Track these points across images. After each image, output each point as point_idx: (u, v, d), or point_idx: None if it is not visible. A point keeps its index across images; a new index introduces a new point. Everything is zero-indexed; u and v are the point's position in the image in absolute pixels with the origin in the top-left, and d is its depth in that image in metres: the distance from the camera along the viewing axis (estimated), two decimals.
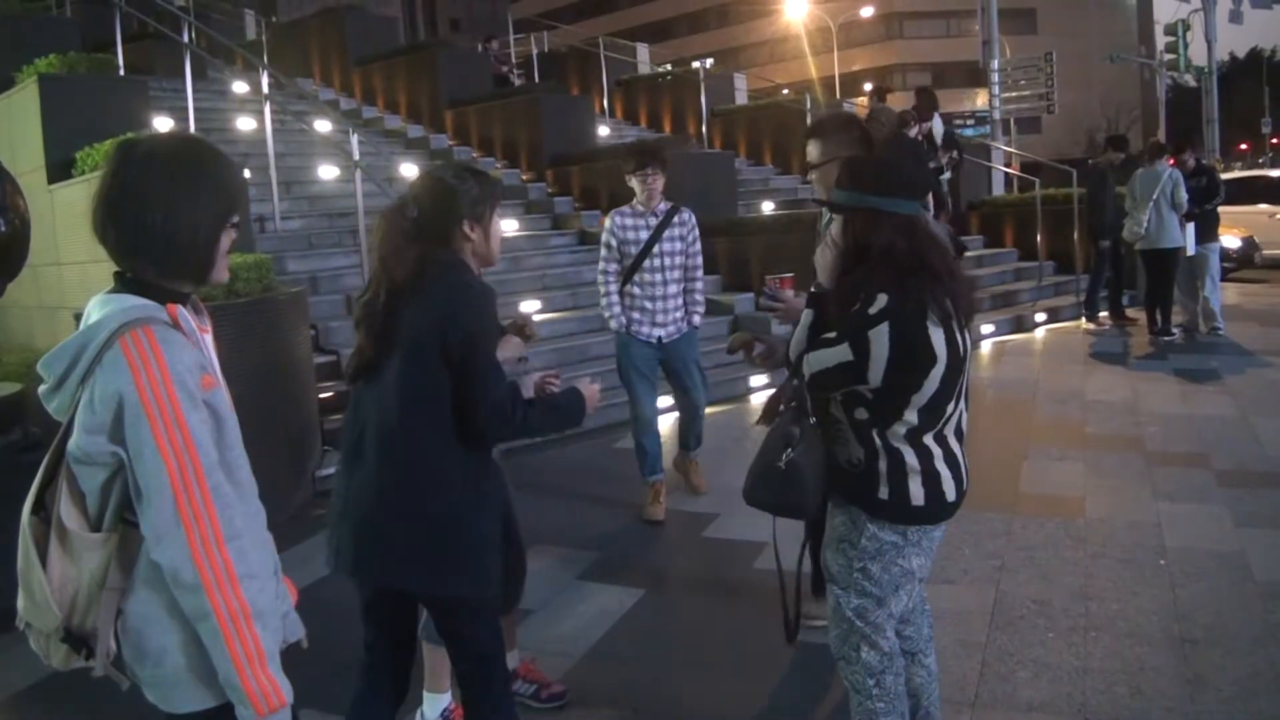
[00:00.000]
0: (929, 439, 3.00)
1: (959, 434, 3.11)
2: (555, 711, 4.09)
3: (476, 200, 3.02)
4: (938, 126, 12.16)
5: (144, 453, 2.00)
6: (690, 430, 6.60)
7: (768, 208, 14.88)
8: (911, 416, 2.96)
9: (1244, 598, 4.82)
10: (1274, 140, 52.28)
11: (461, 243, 3.01)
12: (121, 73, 10.28)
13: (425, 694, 3.86)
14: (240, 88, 14.47)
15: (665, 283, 6.20)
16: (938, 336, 2.89)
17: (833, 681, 4.19)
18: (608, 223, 6.29)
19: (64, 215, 8.18)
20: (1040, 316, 13.02)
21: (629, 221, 6.21)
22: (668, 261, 6.19)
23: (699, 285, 6.40)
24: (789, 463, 3.01)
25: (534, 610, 4.98)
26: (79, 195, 8.04)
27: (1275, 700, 3.92)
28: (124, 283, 2.15)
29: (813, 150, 4.17)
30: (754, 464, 3.17)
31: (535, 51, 22.32)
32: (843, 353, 2.92)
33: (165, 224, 2.10)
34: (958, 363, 2.96)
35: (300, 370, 6.92)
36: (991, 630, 4.58)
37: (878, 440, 2.99)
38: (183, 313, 2.13)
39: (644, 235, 6.16)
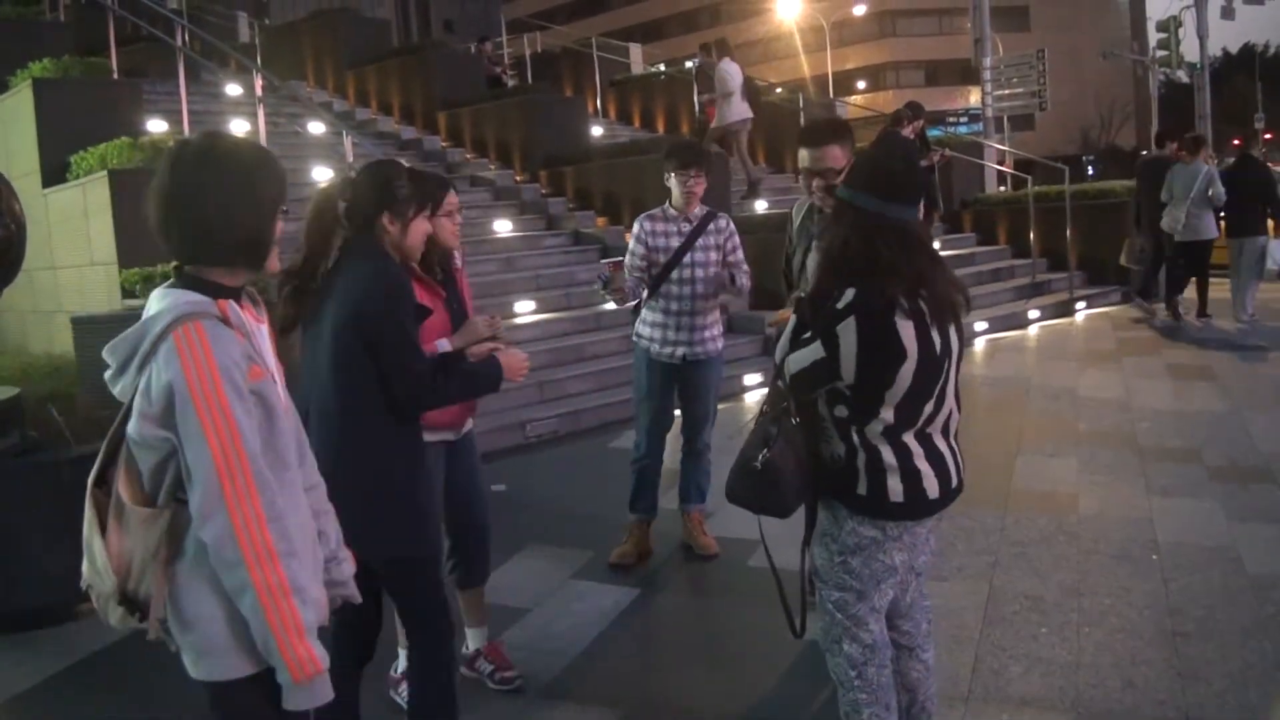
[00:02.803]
0: (909, 437, 3.04)
1: (946, 431, 3.14)
2: (548, 708, 4.12)
3: (403, 198, 3.29)
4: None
5: (192, 439, 2.15)
6: (690, 480, 5.76)
7: (761, 206, 14.89)
8: (887, 414, 2.99)
9: (1235, 591, 4.85)
10: (1267, 135, 52.38)
11: (381, 233, 3.28)
12: (115, 76, 10.27)
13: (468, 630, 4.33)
14: (234, 90, 14.46)
15: (693, 297, 5.47)
16: (907, 331, 2.92)
17: (826, 677, 4.22)
18: (635, 228, 5.63)
19: (58, 219, 8.20)
20: (1033, 313, 13.04)
21: (659, 226, 5.53)
22: (699, 273, 5.46)
23: (744, 275, 5.58)
24: (764, 462, 3.07)
25: (529, 609, 5.00)
26: (73, 199, 8.06)
27: (1266, 693, 3.96)
28: (182, 278, 2.30)
29: (838, 154, 4.13)
30: (735, 463, 3.23)
31: (528, 52, 22.32)
32: (816, 350, 2.99)
33: (229, 220, 2.27)
34: (933, 360, 2.98)
35: (295, 370, 6.94)
36: (984, 625, 4.61)
37: (856, 437, 3.03)
38: (233, 307, 2.28)
39: (675, 243, 5.47)
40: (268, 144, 10.13)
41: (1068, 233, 13.97)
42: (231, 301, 2.29)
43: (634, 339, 5.74)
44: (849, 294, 2.94)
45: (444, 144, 15.64)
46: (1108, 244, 14.30)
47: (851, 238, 3.00)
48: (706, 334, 5.57)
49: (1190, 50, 31.37)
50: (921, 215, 3.66)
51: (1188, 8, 29.70)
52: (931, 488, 3.05)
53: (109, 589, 2.27)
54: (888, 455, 3.01)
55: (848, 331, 2.92)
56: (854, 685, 3.18)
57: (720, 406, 5.96)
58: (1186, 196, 11.89)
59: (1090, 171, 50.90)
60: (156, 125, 10.12)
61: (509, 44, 22.97)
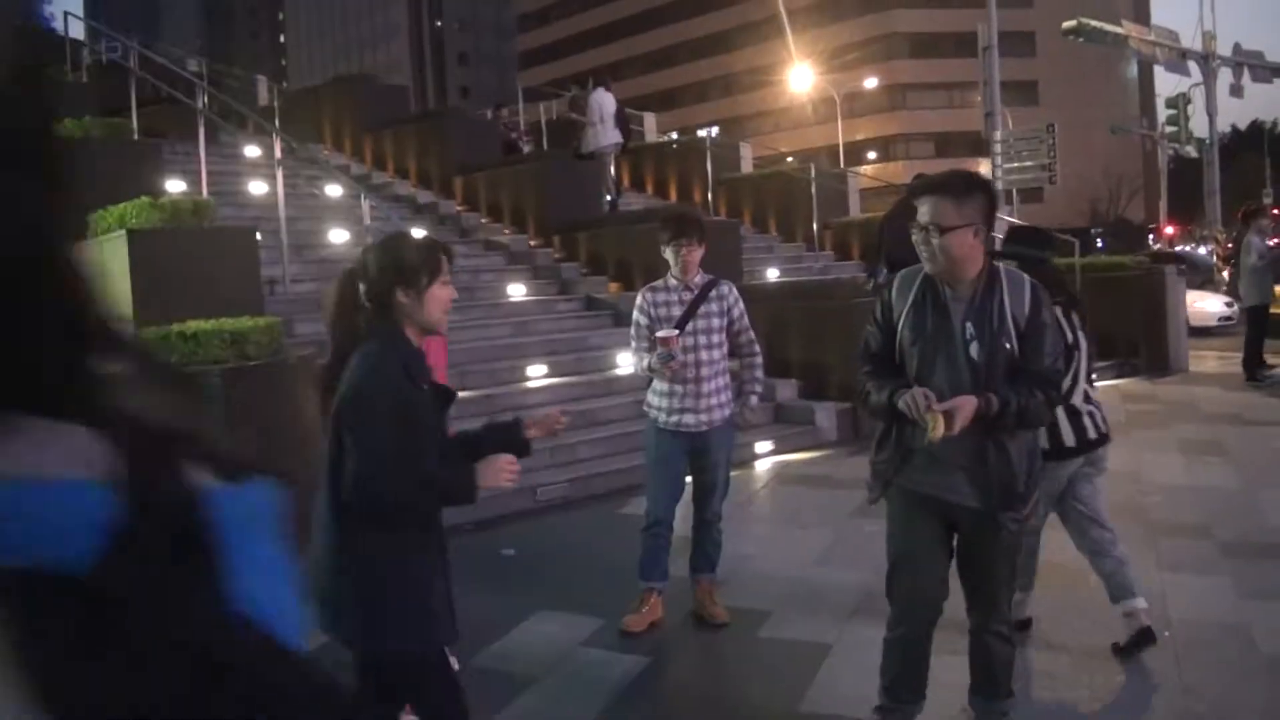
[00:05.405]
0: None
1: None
2: None
3: (413, 269, 3.18)
4: None
5: None
6: (700, 549, 5.75)
7: (772, 275, 14.98)
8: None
9: (1249, 671, 4.81)
10: (1275, 210, 52.67)
11: (398, 309, 3.18)
12: (135, 136, 10.42)
13: None
14: (252, 152, 14.65)
15: (699, 364, 5.47)
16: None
17: None
18: (639, 299, 5.70)
19: None
20: None
21: (660, 297, 5.60)
22: (703, 340, 5.49)
23: (757, 360, 5.77)
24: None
25: (539, 677, 4.97)
26: (90, 257, 8.14)
27: None
28: None
29: (948, 210, 3.66)
30: None
31: (544, 119, 22.57)
32: None
33: None
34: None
35: (309, 433, 6.94)
36: None
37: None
38: None
39: (676, 312, 5.53)
40: (285, 205, 10.25)
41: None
42: None
43: (644, 408, 5.77)
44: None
45: (459, 208, 15.79)
46: (1117, 317, 14.35)
47: None
48: (714, 401, 5.58)
49: (1199, 126, 31.63)
50: None
51: (1196, 85, 30.00)
52: (1067, 437, 4.88)
53: None
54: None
55: None
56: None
57: (732, 473, 5.95)
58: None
59: (1099, 245, 51.06)
60: (175, 185, 10.24)
61: (525, 111, 23.21)
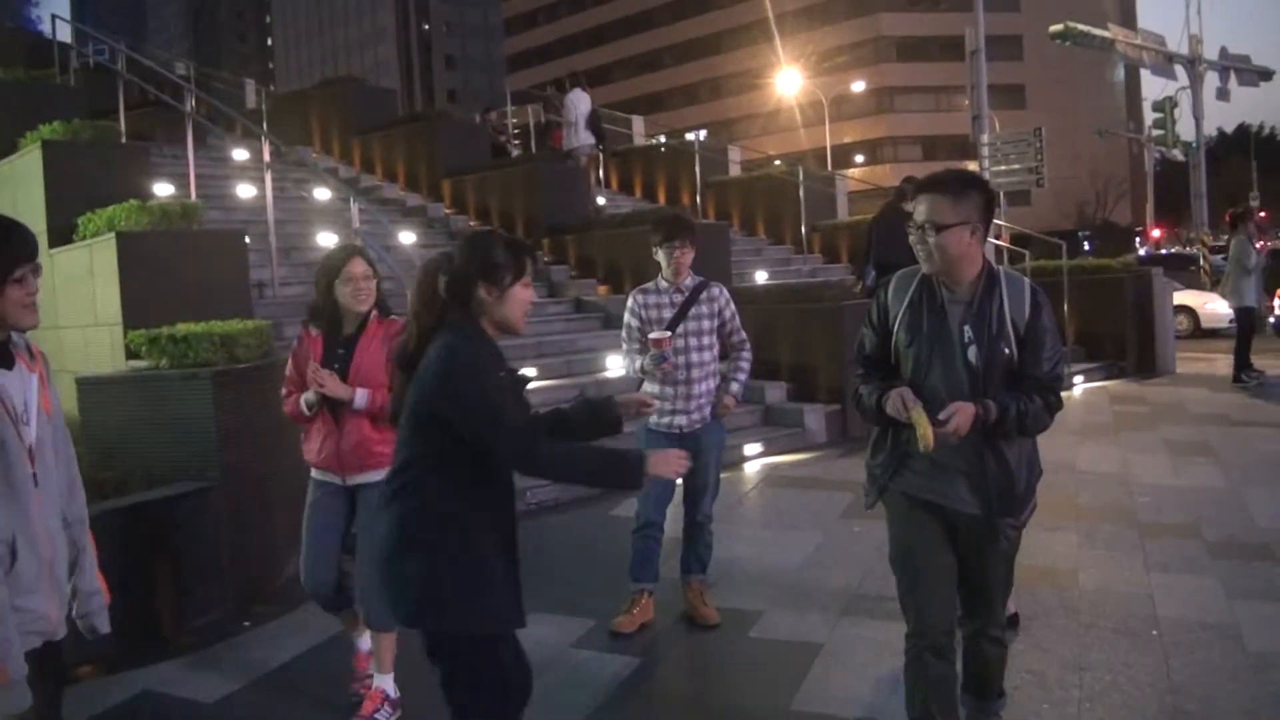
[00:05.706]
0: None
1: None
2: None
3: (498, 266, 3.19)
4: None
5: None
6: (691, 549, 5.78)
7: (761, 277, 14.99)
8: None
9: (1237, 669, 4.84)
10: (1262, 214, 52.83)
11: (478, 304, 3.18)
12: (124, 139, 10.39)
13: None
14: (240, 155, 14.61)
15: (690, 365, 5.53)
16: None
17: None
18: (629, 301, 5.72)
19: (64, 279, 8.24)
20: None
21: (651, 299, 5.65)
22: (693, 342, 5.55)
23: (746, 355, 5.81)
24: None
25: None
26: (80, 260, 8.11)
27: None
28: None
29: (944, 208, 3.58)
30: None
31: (532, 122, 22.57)
32: None
33: None
34: None
35: (299, 435, 6.92)
36: None
37: None
38: None
39: (667, 314, 5.57)
40: (274, 209, 10.24)
41: (1064, 308, 14.07)
42: None
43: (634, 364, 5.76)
44: None
45: (448, 211, 15.77)
46: (1105, 319, 14.42)
47: None
48: (705, 402, 5.63)
49: (1186, 129, 31.79)
50: None
51: (1183, 89, 30.14)
52: None
53: None
54: None
55: None
56: None
57: (722, 475, 5.95)
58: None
59: (1086, 247, 51.26)
60: (163, 189, 10.20)
61: (513, 114, 23.20)
